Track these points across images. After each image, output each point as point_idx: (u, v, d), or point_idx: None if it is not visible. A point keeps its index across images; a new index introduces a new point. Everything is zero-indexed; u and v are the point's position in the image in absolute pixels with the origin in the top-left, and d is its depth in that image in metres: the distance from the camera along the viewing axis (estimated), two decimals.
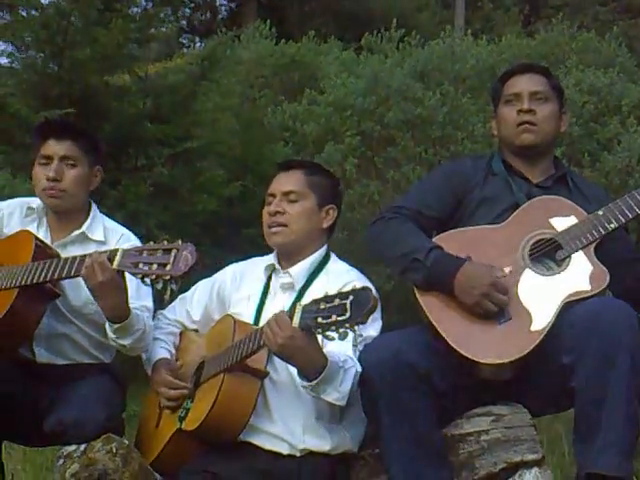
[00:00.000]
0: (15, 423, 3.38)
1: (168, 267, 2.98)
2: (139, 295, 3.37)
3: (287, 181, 3.38)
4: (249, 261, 3.54)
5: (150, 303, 3.44)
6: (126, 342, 3.28)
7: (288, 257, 3.36)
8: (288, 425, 3.11)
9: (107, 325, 3.25)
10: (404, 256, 3.17)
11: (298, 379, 2.99)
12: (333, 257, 3.41)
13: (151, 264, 3.01)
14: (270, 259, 3.42)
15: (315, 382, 2.93)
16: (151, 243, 3.10)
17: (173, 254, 2.99)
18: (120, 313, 3.21)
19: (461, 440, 3.12)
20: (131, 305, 3.25)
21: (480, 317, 3.08)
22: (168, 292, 3.01)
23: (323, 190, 3.39)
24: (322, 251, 3.38)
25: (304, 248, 3.34)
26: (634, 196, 3.21)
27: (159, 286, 3.01)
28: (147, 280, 3.02)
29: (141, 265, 3.03)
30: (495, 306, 3.06)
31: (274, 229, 3.33)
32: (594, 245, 3.17)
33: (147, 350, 3.41)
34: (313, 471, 3.08)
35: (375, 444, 3.16)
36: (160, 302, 3.32)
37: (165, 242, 3.05)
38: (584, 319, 2.94)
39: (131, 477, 3.06)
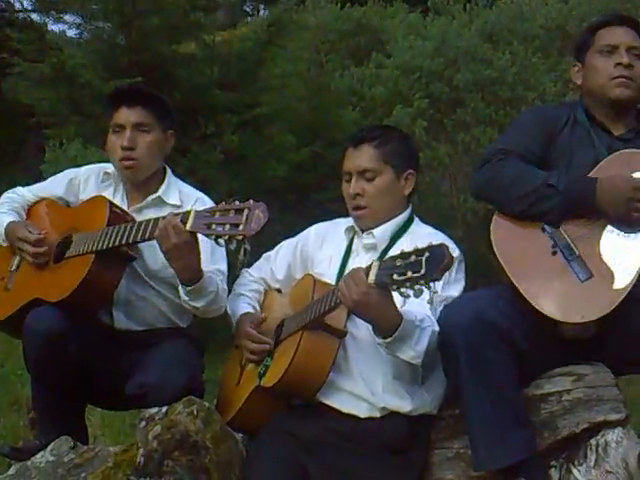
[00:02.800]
0: (97, 387, 3.44)
1: (241, 227, 2.98)
2: (213, 258, 3.38)
3: (359, 158, 3.33)
4: (332, 222, 3.52)
5: (224, 266, 3.45)
6: (199, 304, 3.30)
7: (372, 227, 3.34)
8: (368, 383, 3.11)
9: (180, 287, 3.27)
10: (534, 189, 3.11)
11: (374, 336, 2.98)
12: (417, 220, 3.38)
13: (224, 224, 3.01)
14: (351, 222, 3.39)
15: (390, 339, 2.92)
16: (223, 204, 3.10)
17: (245, 214, 2.99)
18: (193, 275, 3.23)
19: (542, 400, 3.08)
20: (205, 268, 3.27)
21: (562, 275, 3.02)
22: (242, 252, 3.01)
23: (398, 158, 3.34)
24: (406, 214, 3.35)
25: (387, 217, 3.32)
26: None
27: (232, 246, 3.01)
28: (221, 241, 3.02)
29: (214, 226, 3.04)
30: None
31: (357, 212, 3.31)
32: None
33: (225, 310, 3.42)
34: (393, 432, 3.07)
35: (455, 405, 3.15)
36: (234, 263, 3.32)
37: (237, 202, 3.05)
38: None
39: (212, 439, 3.08)
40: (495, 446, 2.97)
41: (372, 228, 3.33)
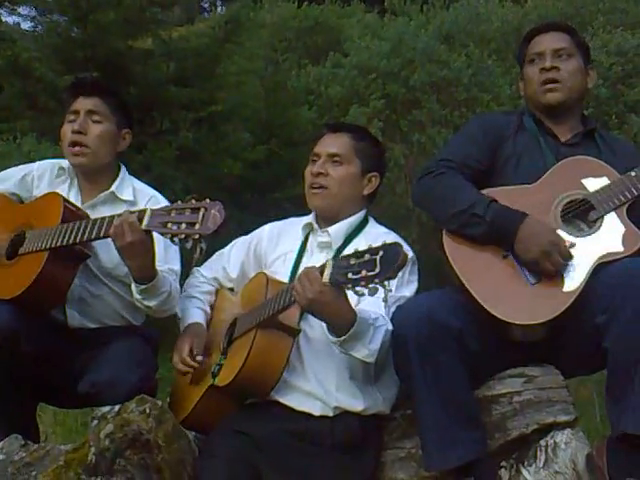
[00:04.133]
0: (49, 385, 3.41)
1: (197, 226, 2.97)
2: (166, 258, 3.38)
3: (334, 143, 3.37)
4: (287, 220, 3.54)
5: (177, 266, 3.45)
6: (152, 303, 3.29)
7: (326, 219, 3.36)
8: (321, 382, 3.12)
9: (133, 286, 3.25)
10: (462, 212, 3.14)
11: (328, 335, 3.00)
12: (372, 221, 3.40)
13: (180, 223, 3.00)
14: (308, 219, 3.42)
15: (344, 338, 2.93)
16: (179, 202, 3.09)
17: (201, 213, 2.98)
18: (147, 274, 3.21)
19: (493, 401, 3.11)
20: (158, 267, 3.25)
21: (512, 278, 3.07)
22: (197, 251, 3.01)
23: (368, 157, 3.38)
24: (361, 214, 3.38)
25: (342, 212, 3.34)
26: None
27: (188, 245, 3.00)
28: (176, 240, 3.01)
29: (170, 225, 3.02)
30: (552, 267, 3.04)
31: (315, 190, 3.33)
32: (626, 206, 3.14)
33: (177, 310, 3.42)
34: (345, 431, 3.09)
35: (407, 405, 3.17)
36: (189, 261, 3.32)
37: (193, 201, 3.04)
38: (617, 279, 2.92)
39: (164, 437, 3.07)
40: (446, 446, 2.99)
41: (326, 221, 3.35)
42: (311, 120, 7.86)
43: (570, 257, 3.05)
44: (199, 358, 3.27)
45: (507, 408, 3.10)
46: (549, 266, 3.04)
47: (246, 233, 3.60)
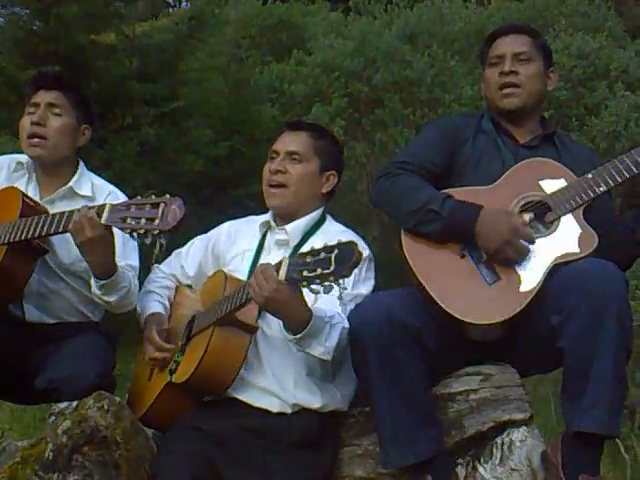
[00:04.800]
0: (7, 381, 3.38)
1: (156, 221, 2.96)
2: (125, 253, 3.37)
3: (293, 141, 3.38)
4: (245, 219, 3.55)
5: (136, 262, 3.45)
6: (111, 299, 3.28)
7: (284, 217, 3.37)
8: (279, 379, 3.13)
9: (93, 281, 3.24)
10: (418, 209, 3.16)
11: (284, 332, 3.01)
12: (329, 219, 3.42)
13: (139, 219, 3.00)
14: (266, 217, 3.43)
15: (300, 335, 2.94)
16: (138, 197, 3.08)
17: (161, 208, 2.97)
18: (107, 269, 3.21)
19: (450, 399, 3.14)
20: (117, 263, 3.25)
21: (470, 278, 3.10)
22: (157, 247, 3.01)
23: (327, 155, 3.39)
24: (319, 212, 3.39)
25: (301, 209, 3.35)
26: (623, 160, 3.21)
27: (148, 241, 2.99)
28: (135, 235, 3.00)
29: (129, 220, 3.02)
30: (515, 254, 3.07)
31: (273, 189, 3.34)
32: (583, 208, 3.18)
33: (136, 305, 3.42)
34: (303, 428, 3.10)
35: (365, 402, 3.18)
36: (149, 257, 3.31)
37: (153, 197, 3.04)
38: (573, 280, 2.95)
39: (123, 434, 3.06)
40: (403, 444, 3.01)
41: (284, 219, 3.36)
42: (274, 117, 7.86)
43: (532, 240, 3.09)
44: (168, 346, 3.28)
45: (464, 406, 3.12)
46: (512, 254, 3.07)
47: (207, 229, 3.60)
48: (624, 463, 4.96)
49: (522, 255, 3.08)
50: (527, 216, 3.15)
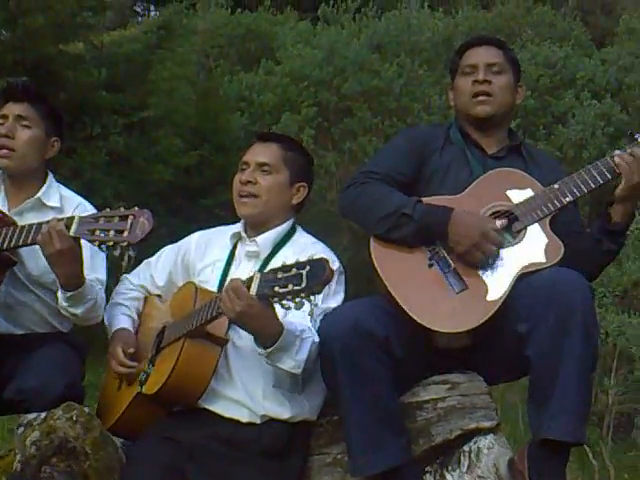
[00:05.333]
0: None
1: (125, 234, 2.97)
2: (93, 267, 3.36)
3: (263, 152, 3.39)
4: (215, 229, 3.55)
5: (103, 275, 3.43)
6: (78, 311, 3.28)
7: (255, 227, 3.38)
8: (249, 390, 3.14)
9: (60, 293, 3.24)
10: (390, 214, 3.19)
11: (255, 346, 3.02)
12: (300, 230, 3.43)
13: (108, 231, 3.00)
14: (237, 227, 3.44)
15: (271, 349, 2.96)
16: (107, 210, 3.08)
17: (130, 221, 2.98)
18: (75, 281, 3.20)
19: (418, 407, 3.16)
20: (85, 276, 3.24)
21: (438, 286, 3.12)
22: (126, 258, 3.02)
23: (297, 167, 3.41)
24: (289, 223, 3.40)
25: (271, 221, 3.36)
26: (589, 171, 3.26)
27: (116, 253, 3.00)
28: (104, 247, 3.01)
29: (98, 232, 3.02)
30: (484, 256, 3.11)
31: (244, 199, 3.35)
32: (549, 218, 3.22)
33: (103, 318, 3.41)
34: (272, 438, 3.11)
35: (334, 411, 3.19)
36: (118, 268, 3.30)
37: (122, 209, 3.04)
38: (539, 289, 2.98)
39: (92, 444, 3.06)
40: (371, 452, 3.02)
41: (254, 229, 3.37)
42: (243, 127, 7.88)
43: (501, 244, 3.12)
44: (131, 363, 3.27)
45: (431, 414, 3.14)
46: (481, 257, 3.11)
47: (177, 239, 3.60)
48: (592, 469, 5.02)
49: (491, 257, 3.11)
50: (499, 222, 3.18)
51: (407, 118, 8.24)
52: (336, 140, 8.26)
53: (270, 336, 2.95)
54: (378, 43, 9.42)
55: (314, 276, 2.71)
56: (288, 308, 2.78)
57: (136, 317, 3.47)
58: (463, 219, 3.14)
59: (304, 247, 3.22)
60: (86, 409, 3.14)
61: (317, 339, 3.05)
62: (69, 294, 3.21)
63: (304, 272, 2.72)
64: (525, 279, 3.08)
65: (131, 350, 3.29)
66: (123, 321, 3.42)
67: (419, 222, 3.16)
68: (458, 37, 9.55)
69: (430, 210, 3.18)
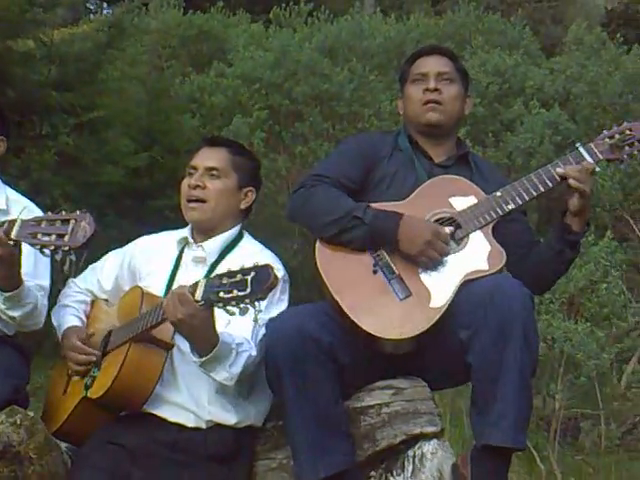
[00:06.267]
0: None
1: (66, 238, 2.93)
2: (36, 273, 3.33)
3: (211, 157, 3.40)
4: (161, 234, 3.55)
5: (46, 282, 3.40)
6: (15, 314, 3.25)
7: (202, 232, 3.39)
8: (194, 395, 3.15)
9: None
10: (341, 217, 3.21)
11: (190, 354, 3.03)
12: (247, 236, 3.44)
13: (50, 235, 2.96)
14: (183, 232, 3.45)
15: (205, 359, 2.98)
16: (49, 213, 3.05)
17: (71, 225, 2.94)
18: (12, 282, 3.17)
19: (362, 413, 3.18)
20: (27, 283, 3.21)
21: (382, 293, 3.15)
22: (67, 263, 2.99)
23: (245, 171, 3.42)
24: (237, 229, 3.42)
25: (219, 226, 3.37)
26: (531, 179, 3.31)
27: (58, 257, 2.96)
28: (46, 251, 2.98)
29: (39, 236, 2.98)
30: (438, 254, 3.14)
31: (192, 204, 3.36)
32: (492, 225, 3.26)
33: (42, 325, 3.38)
34: (218, 442, 3.12)
35: (279, 416, 3.21)
36: (60, 272, 3.27)
37: (63, 212, 3.01)
38: (480, 296, 3.02)
39: (36, 449, 3.04)
40: (316, 457, 3.04)
41: (202, 234, 3.37)
42: (194, 128, 7.85)
43: (448, 243, 3.17)
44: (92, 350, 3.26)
45: (376, 419, 3.17)
46: (434, 254, 3.14)
47: (127, 240, 3.59)
48: (540, 473, 5.10)
49: (444, 254, 3.15)
50: (448, 229, 3.22)
51: (358, 123, 8.28)
52: (287, 144, 8.28)
53: (206, 345, 2.97)
54: (330, 47, 9.46)
55: (259, 282, 2.73)
56: (233, 314, 2.79)
57: (84, 318, 3.46)
58: (413, 221, 3.18)
59: (251, 253, 3.23)
60: (30, 413, 3.12)
61: (254, 353, 3.07)
62: (6, 294, 3.18)
63: (249, 278, 2.74)
64: (468, 286, 3.11)
65: (86, 335, 3.28)
66: (72, 320, 3.41)
67: (370, 225, 3.18)
68: (409, 43, 9.62)
69: (381, 213, 3.21)
